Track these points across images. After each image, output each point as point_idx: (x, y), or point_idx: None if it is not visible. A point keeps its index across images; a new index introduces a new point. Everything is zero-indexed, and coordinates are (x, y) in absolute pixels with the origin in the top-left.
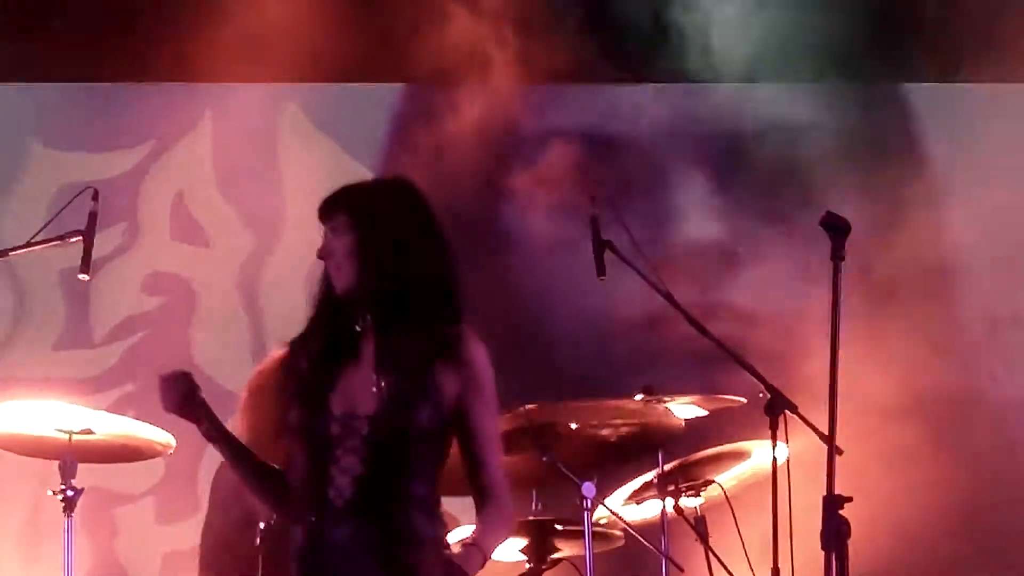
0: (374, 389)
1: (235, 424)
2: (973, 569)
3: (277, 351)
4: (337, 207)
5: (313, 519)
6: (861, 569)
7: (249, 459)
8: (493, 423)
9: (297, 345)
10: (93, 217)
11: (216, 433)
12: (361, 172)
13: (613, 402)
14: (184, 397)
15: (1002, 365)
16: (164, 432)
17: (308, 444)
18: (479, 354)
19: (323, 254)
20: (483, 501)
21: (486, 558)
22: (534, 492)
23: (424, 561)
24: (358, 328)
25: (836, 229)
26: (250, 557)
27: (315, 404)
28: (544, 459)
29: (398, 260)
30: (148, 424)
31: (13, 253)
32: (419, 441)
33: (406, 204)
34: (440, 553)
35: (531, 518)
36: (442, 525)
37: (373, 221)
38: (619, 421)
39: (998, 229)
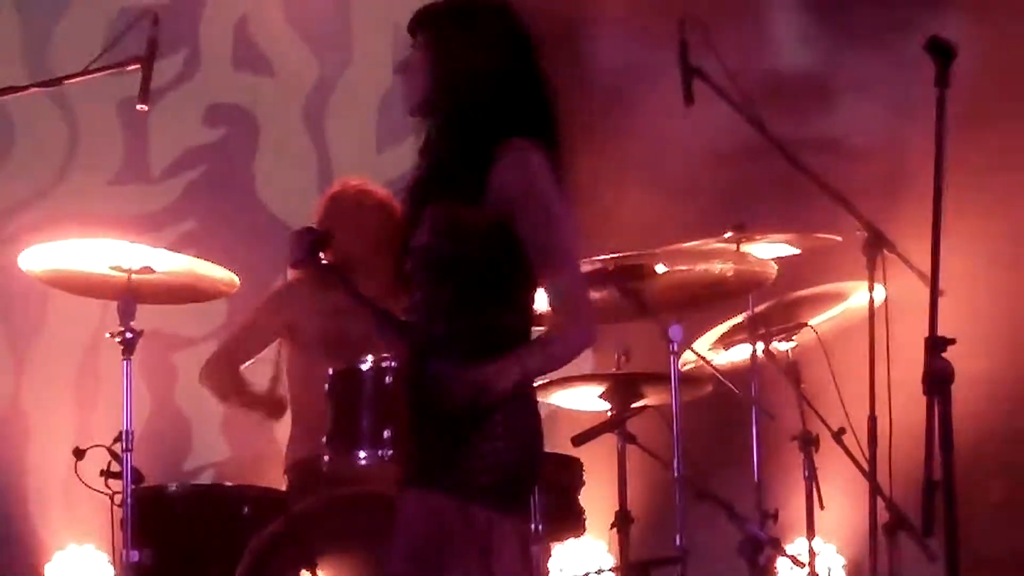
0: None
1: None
2: None
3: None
4: (421, 22)
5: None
6: (964, 415)
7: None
8: (549, 238)
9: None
10: (153, 43)
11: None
12: None
13: (704, 245)
14: (310, 250)
15: None
16: (227, 271)
17: (398, 280)
18: (516, 170)
19: (399, 68)
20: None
21: (526, 372)
22: (617, 354)
23: (445, 374)
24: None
25: (942, 53)
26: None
27: (405, 240)
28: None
29: (462, 77)
30: (210, 263)
31: (68, 82)
32: (468, 272)
33: (490, 24)
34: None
35: (613, 370)
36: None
37: (449, 37)
38: (710, 265)
39: None
